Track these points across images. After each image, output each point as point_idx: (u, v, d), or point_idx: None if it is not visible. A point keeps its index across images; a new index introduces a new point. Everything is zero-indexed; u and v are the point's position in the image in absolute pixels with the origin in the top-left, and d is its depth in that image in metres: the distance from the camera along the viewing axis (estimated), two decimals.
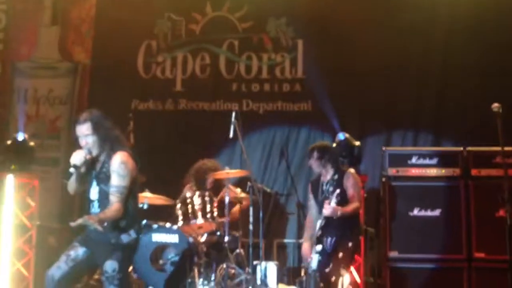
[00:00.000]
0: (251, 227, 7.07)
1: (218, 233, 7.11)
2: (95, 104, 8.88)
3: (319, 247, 6.24)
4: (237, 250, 7.09)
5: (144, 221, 7.14)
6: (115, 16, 9.02)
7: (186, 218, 7.13)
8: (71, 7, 9.35)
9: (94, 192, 5.16)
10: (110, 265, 5.04)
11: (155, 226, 7.08)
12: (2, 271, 7.33)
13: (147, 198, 7.25)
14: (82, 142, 5.14)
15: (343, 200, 6.21)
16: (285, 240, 8.35)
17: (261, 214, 7.07)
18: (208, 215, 7.07)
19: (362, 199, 6.80)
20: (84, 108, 9.00)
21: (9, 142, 7.72)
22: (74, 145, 8.19)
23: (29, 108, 9.14)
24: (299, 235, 7.61)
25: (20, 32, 9.36)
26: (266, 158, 8.72)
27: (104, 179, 5.11)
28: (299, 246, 7.49)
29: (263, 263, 7.05)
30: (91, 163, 5.13)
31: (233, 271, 6.89)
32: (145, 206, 7.23)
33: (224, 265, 6.84)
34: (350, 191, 6.33)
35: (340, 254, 6.17)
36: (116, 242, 5.09)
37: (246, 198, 7.29)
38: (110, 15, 9.09)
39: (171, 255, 6.90)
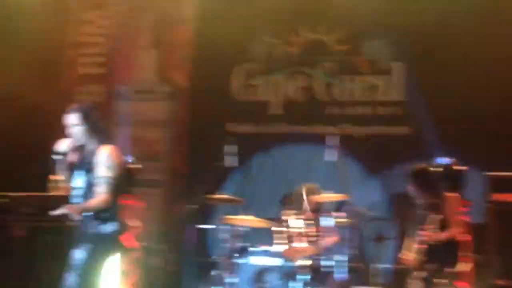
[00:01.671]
0: (351, 251, 7.08)
1: (320, 257, 7.13)
2: (193, 127, 9.19)
3: (422, 274, 6.20)
4: (337, 275, 7.09)
5: (246, 245, 7.29)
6: (212, 40, 9.18)
7: (287, 241, 7.21)
8: (169, 31, 9.59)
9: (78, 181, 5.33)
10: (78, 253, 5.21)
11: (256, 249, 7.18)
12: None
13: (248, 221, 7.35)
14: (70, 131, 5.36)
15: (439, 226, 6.16)
16: (382, 265, 8.30)
17: (359, 238, 7.08)
18: (309, 239, 7.12)
19: (466, 225, 6.71)
20: (183, 131, 9.29)
21: None
22: (175, 168, 8.40)
23: (130, 131, 9.40)
24: (397, 260, 7.57)
25: (120, 56, 9.65)
26: (363, 181, 8.71)
27: (90, 169, 5.26)
28: (396, 272, 7.46)
29: None
30: (76, 152, 5.32)
31: None
32: (246, 229, 7.33)
33: None
34: (449, 216, 6.27)
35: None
36: (93, 232, 5.22)
37: (346, 222, 7.29)
38: (207, 39, 9.27)
39: (272, 279, 6.97)
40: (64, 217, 5.25)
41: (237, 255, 7.22)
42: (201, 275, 7.68)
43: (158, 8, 9.58)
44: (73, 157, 5.34)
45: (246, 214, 7.41)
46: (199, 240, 8.13)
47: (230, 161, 7.60)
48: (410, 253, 6.39)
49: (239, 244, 7.28)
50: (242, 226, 7.33)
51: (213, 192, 7.85)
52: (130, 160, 7.93)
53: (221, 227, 7.28)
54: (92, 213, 5.20)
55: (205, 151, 8.79)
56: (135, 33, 9.65)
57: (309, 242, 7.11)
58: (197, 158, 8.97)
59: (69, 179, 5.38)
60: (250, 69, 9.31)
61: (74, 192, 5.35)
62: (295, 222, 7.19)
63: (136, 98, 9.50)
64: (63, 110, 9.45)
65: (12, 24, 9.16)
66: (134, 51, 9.63)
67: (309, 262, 7.07)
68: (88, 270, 5.18)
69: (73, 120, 5.36)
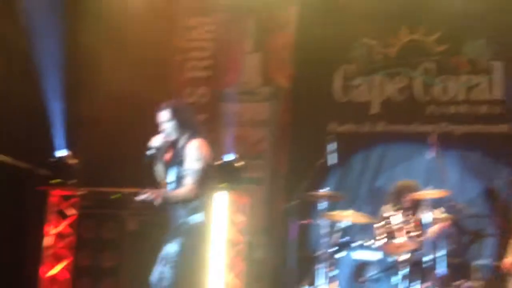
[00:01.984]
0: (451, 247, 7.16)
1: (419, 252, 7.24)
2: (295, 127, 9.45)
3: None
4: (439, 270, 7.17)
5: (347, 239, 7.47)
6: (313, 42, 9.38)
7: (387, 236, 7.36)
8: (272, 34, 9.86)
9: (170, 175, 5.51)
10: (171, 247, 5.34)
11: (357, 244, 7.35)
12: (217, 281, 7.86)
13: (348, 216, 7.53)
14: (163, 127, 5.53)
15: None
16: (482, 262, 8.30)
17: (459, 234, 7.15)
18: (408, 234, 7.25)
19: None
20: (286, 131, 9.56)
21: (218, 162, 8.26)
22: (277, 166, 8.63)
23: (235, 131, 9.73)
24: (496, 256, 7.60)
25: (225, 59, 10.02)
26: (462, 179, 8.73)
27: (180, 162, 5.44)
28: (495, 268, 7.47)
29: (466, 284, 7.10)
30: (170, 146, 5.50)
31: None
32: (347, 225, 7.51)
33: (427, 285, 6.97)
34: None
35: None
36: (183, 222, 5.37)
37: (446, 218, 7.37)
38: (309, 41, 9.48)
39: (373, 273, 7.11)
40: (148, 203, 5.33)
41: (338, 249, 7.40)
42: (302, 270, 7.87)
43: (261, 13, 9.87)
44: (165, 153, 5.55)
45: (347, 209, 7.61)
46: (301, 235, 8.39)
47: (331, 159, 7.80)
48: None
49: (340, 239, 7.47)
50: (342, 222, 7.52)
51: (314, 189, 8.08)
52: (234, 158, 8.27)
53: (322, 222, 7.48)
54: (179, 203, 5.35)
55: (306, 150, 9.02)
56: (239, 37, 9.97)
57: (409, 237, 7.24)
58: (298, 156, 9.21)
59: (163, 174, 5.59)
60: (351, 70, 9.48)
61: (167, 187, 5.54)
62: (395, 218, 7.33)
63: (240, 99, 9.82)
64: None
65: (125, 30, 9.62)
66: (238, 55, 9.95)
67: (409, 257, 7.20)
68: (181, 263, 5.30)
69: (165, 117, 5.56)
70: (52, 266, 8.11)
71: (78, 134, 9.10)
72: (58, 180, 8.05)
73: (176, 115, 5.52)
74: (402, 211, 7.41)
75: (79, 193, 8.15)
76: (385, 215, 7.43)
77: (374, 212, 7.99)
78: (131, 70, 9.48)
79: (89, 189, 8.19)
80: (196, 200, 5.38)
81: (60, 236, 8.18)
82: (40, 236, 8.17)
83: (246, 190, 8.47)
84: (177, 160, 5.48)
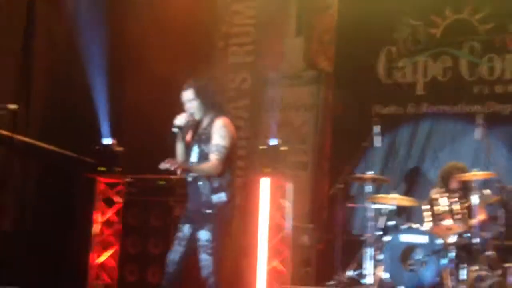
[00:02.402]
0: (501, 229, 7.07)
1: (468, 234, 7.16)
2: (338, 110, 9.40)
3: None
4: (487, 252, 7.09)
5: (393, 222, 7.43)
6: (356, 24, 9.31)
7: (434, 219, 7.30)
8: (314, 17, 9.81)
9: (194, 154, 5.46)
10: (204, 235, 5.30)
11: (403, 227, 7.30)
12: (261, 267, 7.88)
13: (394, 199, 7.48)
14: (186, 106, 5.47)
15: None
16: None
17: (507, 216, 7.04)
18: (457, 217, 7.18)
19: None
20: (328, 114, 9.51)
21: (263, 147, 8.26)
22: (321, 150, 8.59)
23: (278, 116, 9.72)
24: None
25: (268, 44, 9.98)
26: (510, 159, 8.58)
27: (205, 140, 5.39)
28: None
29: None
30: (193, 126, 5.44)
31: (484, 273, 6.90)
32: (393, 208, 7.47)
33: (475, 267, 6.89)
34: None
35: None
36: (206, 200, 5.32)
37: (495, 199, 7.27)
38: (350, 23, 9.41)
39: (420, 256, 7.06)
40: (170, 171, 5.29)
41: (384, 233, 7.37)
42: (348, 254, 7.86)
43: None
44: (187, 133, 5.49)
45: (392, 192, 7.56)
46: (347, 219, 8.38)
47: (376, 142, 7.75)
48: None
49: (386, 222, 7.43)
50: (389, 204, 7.47)
51: (359, 172, 8.03)
52: (278, 142, 8.25)
53: (368, 205, 7.45)
54: (201, 180, 5.31)
55: (350, 133, 8.98)
56: (281, 21, 9.93)
57: (457, 220, 7.17)
58: (342, 140, 9.17)
59: (183, 154, 5.52)
60: (394, 52, 9.37)
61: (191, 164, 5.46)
62: (443, 200, 7.27)
63: (283, 83, 9.80)
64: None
65: (168, 17, 9.64)
66: (281, 39, 9.93)
67: (456, 240, 7.13)
68: (218, 249, 5.33)
69: (188, 95, 5.49)
70: (100, 253, 8.22)
71: (124, 121, 9.19)
72: (104, 168, 8.13)
73: (200, 94, 5.47)
74: (450, 193, 7.35)
75: (125, 180, 8.22)
76: (433, 197, 7.38)
77: (420, 194, 7.94)
78: (175, 56, 9.50)
79: (135, 176, 8.25)
80: (219, 178, 5.35)
81: (107, 223, 8.28)
82: (88, 223, 8.27)
83: (290, 175, 8.43)
84: (201, 139, 5.44)
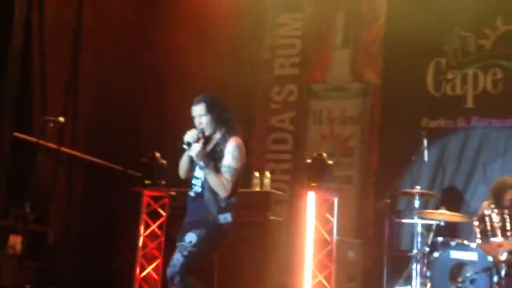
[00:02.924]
0: None
1: None
2: (386, 123, 9.26)
3: None
4: None
5: (441, 238, 7.25)
6: (404, 36, 9.15)
7: (485, 236, 7.11)
8: (361, 29, 9.70)
9: (200, 171, 5.31)
10: (189, 236, 5.20)
11: (453, 243, 7.13)
12: (306, 281, 7.77)
13: (443, 214, 7.31)
14: (197, 122, 5.36)
15: None
16: None
17: None
18: (508, 233, 6.99)
19: None
20: (376, 127, 9.37)
21: (309, 160, 8.15)
22: (368, 163, 8.46)
23: (324, 128, 9.64)
24: None
25: (314, 56, 9.91)
26: None
27: (215, 158, 5.27)
28: None
29: None
30: (203, 142, 5.31)
31: None
32: (442, 223, 7.30)
33: None
34: None
35: None
36: (211, 219, 5.22)
37: None
38: (399, 35, 9.25)
39: (470, 273, 6.89)
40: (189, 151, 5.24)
41: (432, 249, 7.21)
42: (395, 270, 7.71)
43: (350, 7, 9.75)
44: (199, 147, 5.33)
45: (441, 208, 7.38)
46: (394, 234, 8.21)
47: (424, 155, 7.59)
48: None
49: (434, 238, 7.28)
50: (437, 220, 7.31)
51: (406, 187, 7.88)
52: (323, 156, 8.12)
53: (416, 221, 7.30)
54: (211, 198, 5.23)
55: (397, 147, 8.82)
56: (327, 33, 9.87)
57: (509, 236, 6.98)
58: (389, 153, 9.01)
59: (191, 168, 5.45)
60: (444, 63, 9.20)
61: (194, 182, 5.41)
62: (494, 217, 7.08)
63: (329, 96, 9.72)
64: (260, 110, 10.00)
65: (214, 29, 9.67)
66: (327, 51, 9.85)
67: (507, 257, 6.94)
68: (195, 256, 5.23)
69: (199, 110, 5.40)
70: (145, 267, 8.19)
71: (168, 135, 9.18)
72: (150, 181, 8.12)
73: (211, 109, 5.39)
74: (501, 209, 7.16)
75: (169, 193, 8.19)
76: (484, 213, 7.20)
77: (469, 210, 7.75)
78: (220, 68, 9.50)
79: (178, 189, 8.22)
80: (226, 200, 5.28)
81: (151, 236, 8.25)
82: (133, 236, 8.26)
83: (336, 189, 8.31)
84: (211, 156, 5.33)
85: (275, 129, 9.94)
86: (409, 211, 7.50)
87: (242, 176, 5.44)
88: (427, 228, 7.32)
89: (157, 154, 8.14)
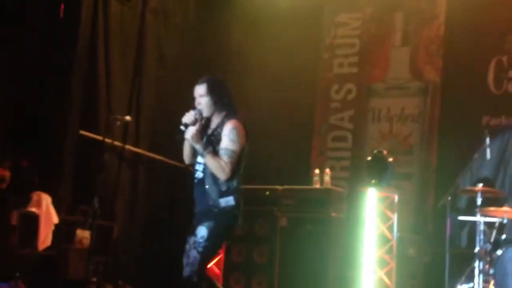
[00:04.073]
0: None
1: None
2: (446, 120, 9.23)
3: None
4: None
5: (504, 236, 7.19)
6: (464, 34, 9.15)
7: None
8: (421, 27, 9.66)
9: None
10: (200, 231, 5.06)
11: None
12: (367, 278, 7.82)
13: (506, 212, 7.25)
14: (196, 102, 5.25)
15: None
16: None
17: None
18: None
19: None
20: (436, 125, 9.35)
21: (369, 158, 8.19)
22: (428, 161, 8.42)
23: (383, 126, 9.66)
24: None
25: (373, 54, 9.93)
26: None
27: (214, 141, 5.16)
28: None
29: None
30: (202, 125, 5.19)
31: None
32: (505, 221, 7.23)
33: None
34: None
35: None
36: (213, 204, 5.11)
37: None
38: (459, 33, 9.24)
39: None
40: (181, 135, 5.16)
41: (495, 247, 7.14)
42: (457, 267, 7.67)
43: (409, 6, 9.74)
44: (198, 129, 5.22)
45: (503, 205, 7.33)
46: (455, 232, 8.18)
47: (486, 153, 7.54)
48: None
49: (497, 236, 7.20)
50: (500, 218, 7.25)
51: (467, 184, 7.85)
52: (383, 154, 8.15)
53: (479, 218, 7.25)
54: (212, 185, 5.15)
55: (457, 144, 8.80)
56: (386, 31, 9.87)
57: None
58: (449, 151, 8.98)
59: (190, 153, 5.35)
60: (506, 61, 9.11)
61: (196, 167, 5.30)
62: None
63: (388, 94, 9.72)
64: (319, 108, 10.06)
65: (273, 29, 9.77)
66: (386, 49, 9.85)
67: None
68: (209, 250, 5.12)
69: (200, 90, 5.29)
70: None
71: None
72: None
73: (212, 91, 5.27)
74: None
75: None
76: None
77: None
78: (279, 69, 9.60)
79: (243, 186, 8.34)
80: (227, 183, 5.16)
81: None
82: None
83: (396, 186, 8.33)
84: (211, 138, 5.23)
85: (335, 127, 9.99)
86: (472, 209, 7.44)
87: (244, 158, 5.27)
88: (490, 225, 7.27)
89: None
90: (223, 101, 5.29)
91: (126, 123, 8.03)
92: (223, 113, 5.28)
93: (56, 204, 7.78)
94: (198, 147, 5.17)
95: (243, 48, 9.88)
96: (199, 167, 5.28)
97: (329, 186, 8.40)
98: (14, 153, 7.87)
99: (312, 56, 10.08)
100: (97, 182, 7.15)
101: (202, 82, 5.32)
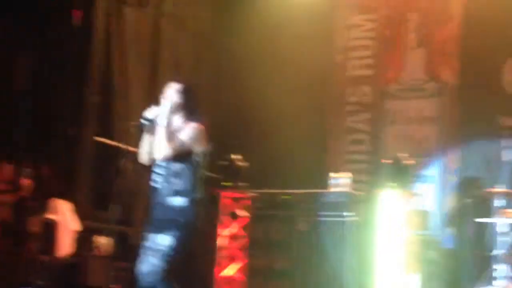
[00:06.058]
0: None
1: None
2: (463, 121, 9.20)
3: None
4: None
5: None
6: (480, 34, 9.11)
7: None
8: (436, 28, 9.64)
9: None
10: (164, 239, 5.09)
11: None
12: (384, 282, 7.77)
13: None
14: (163, 99, 5.26)
15: None
16: None
17: None
18: None
19: None
20: (454, 126, 9.32)
21: (389, 161, 8.16)
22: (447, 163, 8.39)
23: (400, 128, 9.62)
24: None
25: (388, 56, 9.91)
26: None
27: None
28: None
29: None
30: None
31: None
32: None
33: None
34: None
35: None
36: (167, 205, 5.12)
37: None
38: (475, 34, 9.20)
39: None
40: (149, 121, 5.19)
41: None
42: (479, 269, 7.66)
43: (424, 7, 9.71)
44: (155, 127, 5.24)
45: None
46: (477, 234, 8.14)
47: (506, 154, 7.53)
48: None
49: None
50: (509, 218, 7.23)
51: (488, 186, 7.82)
52: (403, 156, 8.13)
53: (500, 220, 7.24)
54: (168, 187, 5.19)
55: (476, 146, 8.77)
56: (401, 33, 9.84)
57: None
58: (468, 153, 8.96)
59: (148, 148, 5.37)
60: None
61: (157, 170, 5.30)
62: None
63: (405, 96, 9.70)
64: (334, 111, 10.04)
65: (286, 30, 9.77)
66: (401, 51, 9.83)
67: None
68: (172, 256, 5.14)
69: (170, 91, 5.34)
70: (226, 267, 8.32)
71: (253, 138, 9.34)
72: (230, 183, 8.26)
73: (182, 94, 5.31)
74: None
75: (250, 195, 8.31)
76: None
77: None
78: (292, 71, 9.59)
79: (260, 191, 8.34)
80: (181, 182, 5.19)
81: (233, 237, 8.38)
82: (213, 237, 8.40)
83: (416, 189, 8.31)
84: (169, 138, 5.21)
85: (352, 130, 9.97)
86: (493, 211, 7.42)
87: (204, 161, 5.34)
88: (510, 227, 7.25)
89: (237, 157, 8.28)
90: (189, 107, 5.35)
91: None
92: (187, 116, 5.33)
93: (77, 211, 7.79)
94: (164, 120, 5.18)
95: (257, 53, 9.87)
96: (159, 170, 5.28)
97: (347, 189, 8.38)
98: (33, 160, 7.88)
99: (325, 58, 10.04)
100: (116, 188, 7.15)
101: (176, 83, 5.39)
